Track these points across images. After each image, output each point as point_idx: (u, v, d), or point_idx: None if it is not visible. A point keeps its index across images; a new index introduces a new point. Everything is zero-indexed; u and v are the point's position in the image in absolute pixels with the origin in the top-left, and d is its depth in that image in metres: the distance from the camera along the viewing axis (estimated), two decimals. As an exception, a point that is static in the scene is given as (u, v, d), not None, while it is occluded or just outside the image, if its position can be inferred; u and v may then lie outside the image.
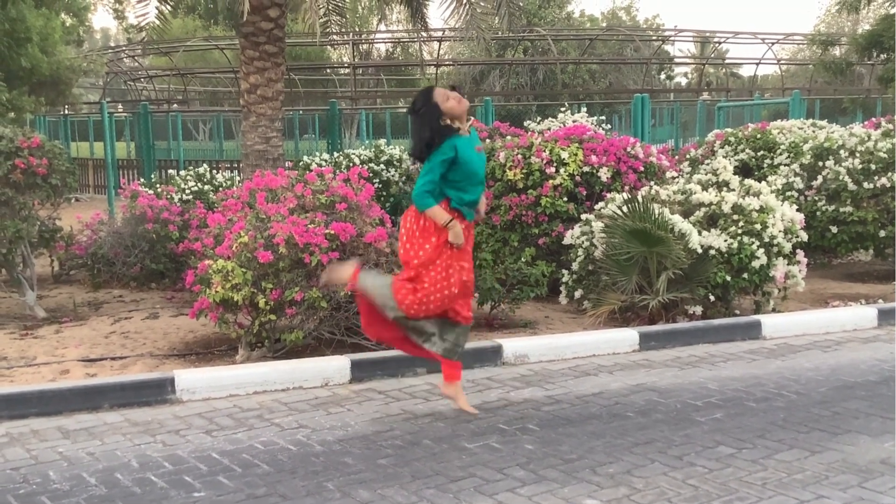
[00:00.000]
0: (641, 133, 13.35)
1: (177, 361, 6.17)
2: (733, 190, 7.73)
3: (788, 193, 9.16)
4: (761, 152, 10.53)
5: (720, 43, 34.88)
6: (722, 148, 10.85)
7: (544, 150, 8.14)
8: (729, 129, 11.53)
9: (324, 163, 10.66)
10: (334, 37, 24.28)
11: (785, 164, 9.95)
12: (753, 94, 28.91)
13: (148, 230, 8.61)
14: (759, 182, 8.02)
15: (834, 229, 8.97)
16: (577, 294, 7.56)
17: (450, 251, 4.88)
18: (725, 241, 7.05)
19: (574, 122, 11.70)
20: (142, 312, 7.81)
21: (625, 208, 7.05)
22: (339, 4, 11.13)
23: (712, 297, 7.06)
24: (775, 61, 31.92)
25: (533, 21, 31.53)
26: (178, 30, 34.09)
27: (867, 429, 4.65)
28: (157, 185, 10.18)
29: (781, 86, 31.91)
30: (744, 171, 10.26)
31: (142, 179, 12.67)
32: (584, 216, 7.73)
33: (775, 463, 4.18)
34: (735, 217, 7.28)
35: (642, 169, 8.33)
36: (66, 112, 27.02)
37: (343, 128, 27.33)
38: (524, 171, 8.09)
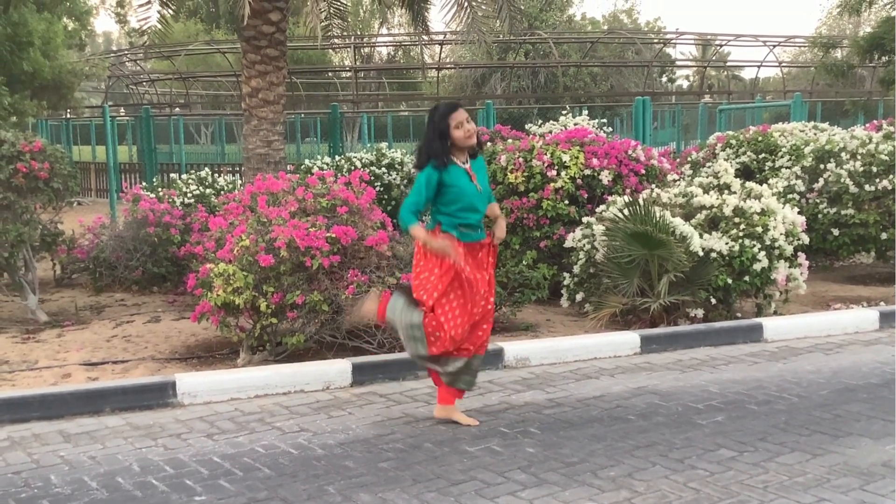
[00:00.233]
0: (643, 136, 13.34)
1: (178, 365, 6.17)
2: (734, 193, 7.73)
3: (790, 196, 9.15)
4: (763, 155, 10.52)
5: (721, 46, 34.92)
6: (723, 151, 10.85)
7: (545, 154, 8.14)
8: (730, 132, 11.52)
9: (325, 166, 10.66)
10: (336, 40, 24.33)
11: (786, 167, 9.94)
12: (755, 97, 28.93)
13: (150, 234, 8.62)
14: (761, 185, 8.01)
15: (835, 232, 8.96)
16: (579, 297, 7.56)
17: (459, 279, 4.72)
18: (727, 243, 7.05)
19: (575, 125, 11.70)
20: (143, 316, 7.82)
21: (626, 211, 7.05)
22: (341, 8, 11.14)
23: (714, 300, 7.06)
24: (777, 64, 31.94)
25: (534, 24, 31.54)
26: (180, 34, 34.16)
27: (869, 431, 4.64)
28: (159, 189, 10.19)
29: (783, 88, 31.94)
30: (745, 173, 10.25)
31: (144, 183, 12.69)
32: (585, 219, 7.73)
33: (777, 466, 4.17)
34: (736, 220, 7.28)
35: (643, 172, 8.33)
36: (69, 116, 27.09)
37: (345, 131, 27.36)
38: (525, 174, 8.10)
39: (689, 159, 11.24)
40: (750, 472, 4.10)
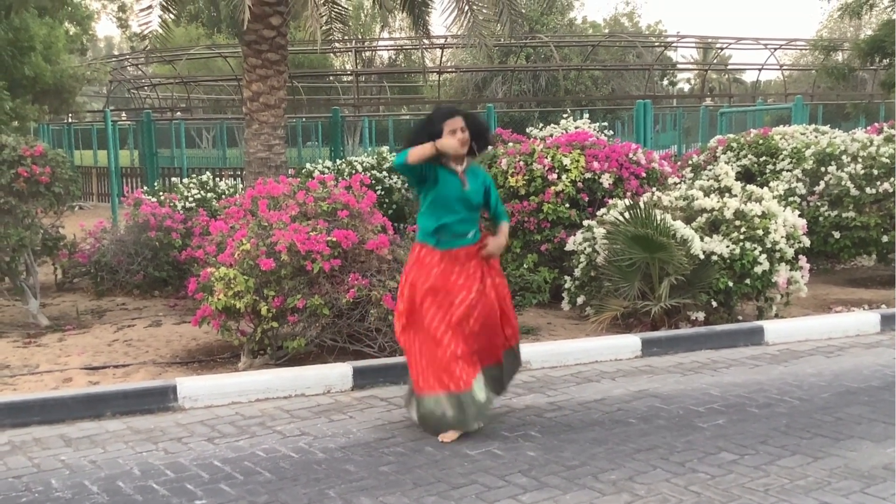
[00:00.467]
0: (644, 139, 13.34)
1: (179, 369, 6.18)
2: (735, 196, 7.73)
3: (791, 199, 9.15)
4: (763, 158, 10.52)
5: (723, 49, 34.93)
6: (724, 154, 10.85)
7: (546, 157, 8.14)
8: (731, 135, 11.53)
9: (326, 170, 10.68)
10: (337, 44, 24.36)
11: (787, 170, 9.95)
12: (756, 100, 28.93)
13: (151, 238, 8.63)
14: (762, 188, 8.01)
15: (836, 235, 8.96)
16: (580, 300, 7.56)
17: (433, 282, 4.68)
18: (728, 246, 7.05)
19: (576, 128, 11.71)
20: (145, 320, 7.82)
21: (627, 214, 7.05)
22: (342, 12, 11.15)
23: (715, 303, 7.06)
24: (778, 67, 31.95)
25: (535, 28, 31.57)
26: (181, 38, 34.23)
27: (870, 434, 4.64)
28: (161, 193, 10.21)
29: (784, 91, 31.94)
30: (746, 176, 10.26)
31: (145, 187, 12.70)
32: (586, 222, 7.74)
33: (778, 469, 4.17)
34: (737, 223, 7.28)
35: (644, 175, 8.34)
36: (70, 120, 27.12)
37: (346, 135, 27.39)
38: (526, 177, 8.10)
39: (690, 162, 11.25)
40: (751, 475, 4.10)
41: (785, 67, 34.82)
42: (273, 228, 6.17)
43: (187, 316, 7.62)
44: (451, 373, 4.63)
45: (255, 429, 4.91)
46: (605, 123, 14.25)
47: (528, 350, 6.27)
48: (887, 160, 8.95)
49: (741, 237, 7.15)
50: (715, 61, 39.08)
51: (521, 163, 8.17)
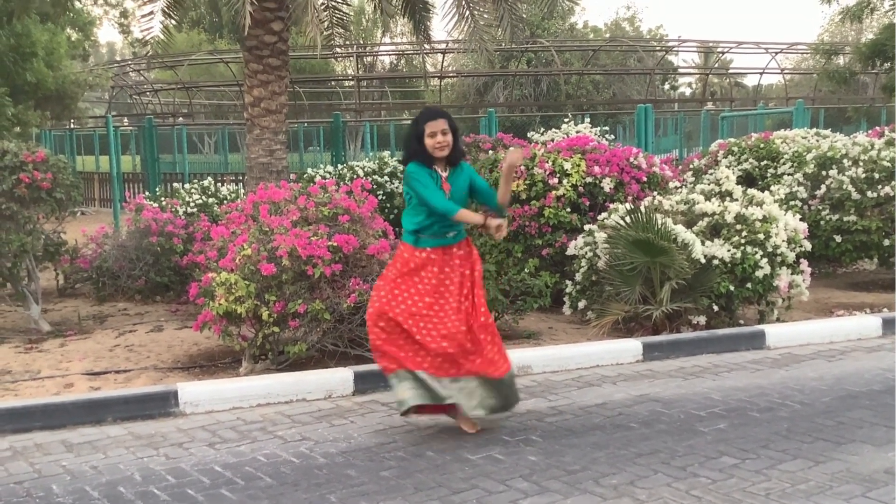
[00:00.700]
0: (645, 143, 13.36)
1: (180, 374, 6.18)
2: (736, 200, 7.73)
3: (792, 203, 9.15)
4: (765, 162, 10.52)
5: (724, 53, 34.95)
6: (725, 158, 10.85)
7: (547, 162, 8.15)
8: (732, 139, 11.53)
9: (328, 175, 10.68)
10: (338, 49, 24.39)
11: (788, 174, 9.95)
12: (757, 104, 28.94)
13: (152, 243, 8.64)
14: (763, 192, 8.02)
15: (838, 238, 8.95)
16: (581, 305, 7.56)
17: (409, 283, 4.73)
18: (729, 250, 7.05)
19: (577, 133, 11.71)
20: (146, 325, 7.83)
21: (628, 219, 7.06)
22: (343, 17, 11.17)
23: (716, 307, 7.06)
24: (779, 71, 31.97)
25: (536, 32, 31.59)
26: (182, 44, 34.29)
27: (871, 438, 4.63)
28: (162, 199, 10.22)
29: (785, 95, 31.94)
30: (747, 180, 10.26)
31: (147, 193, 12.71)
32: (587, 227, 7.74)
33: (779, 473, 4.16)
34: (738, 227, 7.28)
35: (645, 179, 8.34)
36: (72, 126, 27.14)
37: (347, 140, 27.41)
38: (527, 182, 8.10)
39: (691, 166, 11.24)
40: (752, 479, 4.09)
41: (786, 71, 34.85)
42: (274, 233, 6.17)
43: (189, 321, 7.62)
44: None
45: (257, 434, 4.91)
46: (607, 128, 14.25)
47: (530, 355, 6.28)
48: (888, 164, 8.95)
49: (742, 241, 7.15)
50: (716, 65, 39.09)
51: (522, 167, 8.17)
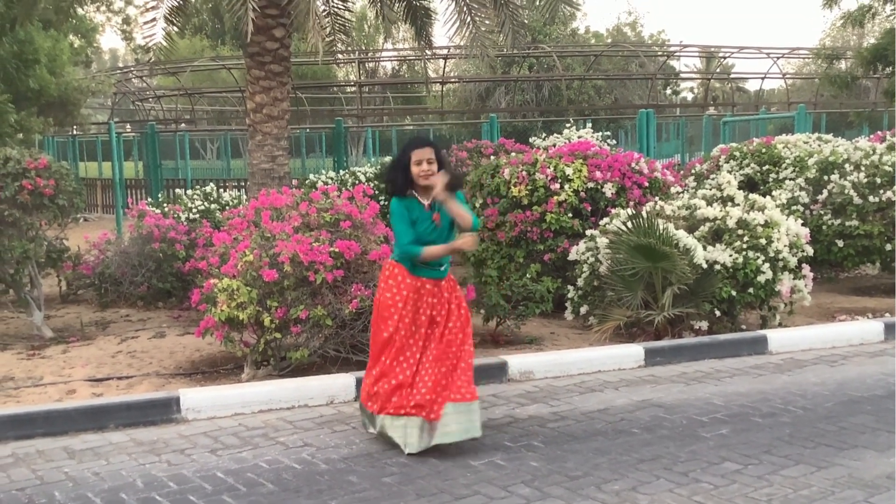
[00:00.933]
0: (647, 148, 13.37)
1: (183, 380, 6.18)
2: (738, 205, 7.72)
3: (794, 208, 9.15)
4: (766, 167, 10.52)
5: (725, 58, 34.97)
6: (727, 163, 10.85)
7: (549, 167, 8.15)
8: (734, 144, 11.53)
9: (330, 181, 10.70)
10: (340, 55, 24.43)
11: (790, 179, 9.95)
12: (759, 109, 28.93)
13: (155, 249, 8.65)
14: (765, 197, 8.01)
15: (840, 243, 8.95)
16: (583, 310, 7.56)
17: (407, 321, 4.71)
18: (730, 255, 7.05)
19: (579, 138, 11.73)
20: (148, 331, 7.84)
21: (629, 224, 7.06)
22: (345, 24, 11.19)
23: (718, 312, 7.05)
24: (781, 75, 31.96)
25: (538, 38, 31.62)
26: (185, 50, 34.35)
27: (873, 444, 4.63)
28: (164, 205, 10.23)
29: (787, 100, 31.94)
30: (749, 185, 10.25)
31: (149, 199, 12.73)
32: (588, 232, 7.74)
33: (781, 479, 4.16)
34: (740, 232, 7.28)
35: (647, 184, 8.34)
36: (75, 133, 27.18)
37: (349, 145, 27.45)
38: (529, 187, 8.11)
39: (692, 171, 11.24)
40: (754, 485, 4.09)
41: (788, 76, 34.84)
42: (276, 239, 6.18)
43: (191, 327, 7.63)
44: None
45: (258, 440, 4.91)
46: (608, 133, 14.27)
47: (532, 360, 6.28)
48: (890, 168, 8.94)
49: (744, 246, 7.14)
50: (718, 70, 39.12)
51: (524, 173, 8.18)
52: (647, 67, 32.29)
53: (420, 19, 11.16)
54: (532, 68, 31.96)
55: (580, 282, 7.60)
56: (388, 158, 11.98)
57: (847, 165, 9.28)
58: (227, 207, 9.94)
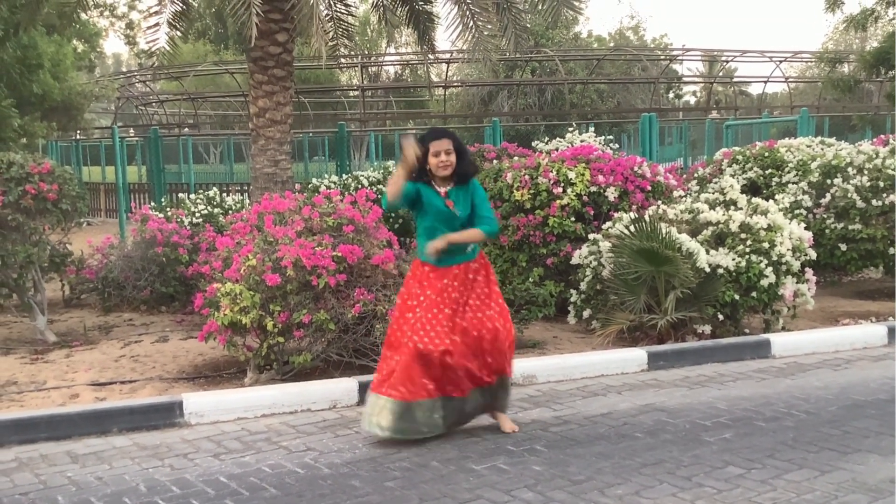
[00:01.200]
0: (650, 152, 13.38)
1: (186, 385, 6.19)
2: (741, 208, 7.72)
3: (797, 211, 9.14)
4: (769, 170, 10.52)
5: (728, 61, 34.94)
6: (730, 166, 10.85)
7: (551, 171, 8.16)
8: (737, 148, 11.53)
9: (332, 185, 10.71)
10: (343, 60, 24.47)
11: (793, 183, 9.94)
12: (762, 113, 28.92)
13: (158, 254, 8.66)
14: (767, 200, 8.01)
15: (843, 247, 8.94)
16: (586, 314, 7.55)
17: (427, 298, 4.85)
18: (733, 259, 7.04)
19: (582, 142, 11.73)
20: (152, 336, 7.84)
21: (632, 228, 7.06)
22: (348, 28, 11.21)
23: (721, 316, 7.05)
24: (783, 79, 31.95)
25: (540, 42, 31.63)
26: (188, 55, 34.40)
27: (877, 448, 4.62)
28: (168, 209, 10.25)
29: (790, 103, 31.93)
30: (752, 189, 10.25)
31: (152, 203, 12.75)
32: (591, 236, 7.74)
33: (785, 483, 4.15)
34: (743, 236, 7.27)
35: (650, 188, 8.34)
36: (78, 137, 27.24)
37: (352, 150, 27.47)
38: (531, 191, 8.11)
39: (695, 175, 11.25)
40: (758, 489, 4.08)
41: (791, 80, 34.83)
42: (279, 244, 6.19)
43: (194, 331, 7.64)
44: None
45: (261, 444, 4.91)
46: (611, 137, 14.28)
47: (534, 364, 6.28)
48: (893, 172, 8.93)
49: (747, 250, 7.14)
50: (720, 74, 39.10)
51: (527, 176, 8.18)
52: (649, 71, 32.30)
53: (423, 23, 11.18)
54: (535, 72, 31.97)
55: (583, 286, 7.60)
56: (390, 163, 11.97)
57: (850, 169, 9.27)
58: (230, 212, 9.95)
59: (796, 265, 7.27)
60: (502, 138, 15.72)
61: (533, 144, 12.74)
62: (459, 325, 4.84)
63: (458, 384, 4.84)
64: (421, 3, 11.14)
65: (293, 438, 5.01)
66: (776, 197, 9.27)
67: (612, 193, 8.11)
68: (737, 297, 7.00)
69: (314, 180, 11.47)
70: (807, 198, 9.40)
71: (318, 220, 6.48)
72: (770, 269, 7.06)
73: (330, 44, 10.25)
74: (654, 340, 6.99)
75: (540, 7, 10.46)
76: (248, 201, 10.92)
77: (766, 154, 10.71)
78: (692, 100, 48.94)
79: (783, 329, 7.40)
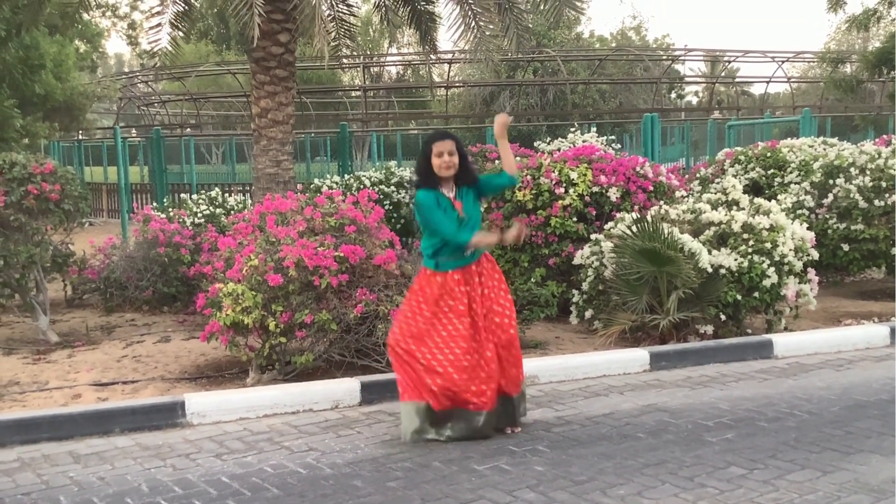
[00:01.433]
0: (652, 152, 13.37)
1: (188, 385, 6.19)
2: (743, 209, 7.72)
3: (799, 212, 9.13)
4: (771, 171, 10.51)
5: (730, 62, 34.93)
6: (732, 167, 10.85)
7: (553, 171, 8.15)
8: (739, 148, 11.52)
9: (334, 185, 10.71)
10: (345, 60, 24.47)
11: (795, 183, 9.93)
12: (764, 113, 28.90)
13: (160, 254, 8.67)
14: (770, 201, 8.00)
15: (845, 247, 8.93)
16: (588, 314, 7.55)
17: (443, 314, 4.86)
18: (736, 260, 7.04)
19: (584, 142, 11.72)
20: (154, 336, 7.85)
21: (634, 228, 7.05)
22: (350, 29, 11.22)
23: (723, 317, 7.04)
24: (786, 79, 31.93)
25: (542, 42, 31.62)
26: (190, 55, 34.43)
27: (880, 448, 4.61)
28: (170, 209, 10.26)
29: (792, 104, 31.89)
30: (754, 189, 10.24)
31: (154, 203, 12.76)
32: (593, 236, 7.74)
33: (787, 483, 4.15)
34: (745, 236, 7.27)
35: (651, 188, 8.33)
36: (80, 137, 27.26)
37: (354, 150, 27.46)
38: (533, 191, 8.11)
39: (697, 175, 11.24)
40: (760, 489, 4.08)
41: (793, 80, 34.81)
42: (281, 244, 6.19)
43: (196, 332, 7.64)
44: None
45: (263, 444, 4.92)
46: (613, 137, 14.26)
47: (537, 364, 6.27)
48: (895, 172, 8.92)
49: (749, 250, 7.13)
50: (722, 74, 39.08)
51: (529, 177, 8.18)
52: (651, 71, 32.29)
53: (425, 24, 11.18)
54: (536, 72, 31.97)
55: (585, 286, 7.60)
56: (392, 163, 11.97)
57: (852, 169, 9.26)
58: (232, 212, 9.96)
59: (799, 265, 7.27)
60: (504, 138, 15.68)
61: (535, 145, 12.74)
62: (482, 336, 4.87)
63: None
64: (423, 3, 11.14)
65: (295, 439, 5.01)
66: (778, 197, 9.25)
67: (614, 194, 8.10)
68: (739, 297, 6.99)
69: (316, 180, 11.47)
70: (809, 198, 9.39)
71: (321, 220, 6.48)
72: (772, 269, 7.05)
73: (332, 44, 10.25)
74: (657, 341, 6.99)
75: (542, 7, 10.46)
76: (250, 202, 10.93)
77: (769, 154, 10.70)
78: (694, 100, 48.93)
79: (785, 329, 7.40)
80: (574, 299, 7.74)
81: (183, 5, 10.22)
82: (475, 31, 9.93)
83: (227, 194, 11.49)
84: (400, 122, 36.44)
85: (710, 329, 7.00)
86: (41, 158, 7.69)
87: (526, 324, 7.23)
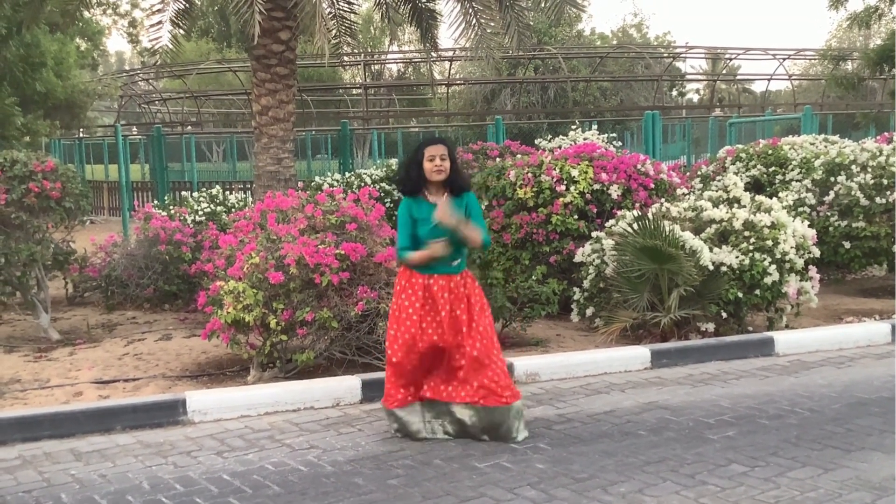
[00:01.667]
0: (653, 150, 13.35)
1: (189, 383, 6.19)
2: (744, 206, 7.71)
3: (800, 209, 9.13)
4: (773, 168, 10.50)
5: (731, 59, 34.90)
6: (733, 164, 10.83)
7: (554, 169, 8.15)
8: (740, 146, 11.51)
9: (335, 183, 10.71)
10: (346, 58, 24.46)
11: (797, 180, 9.92)
12: (765, 110, 28.88)
13: (161, 252, 8.67)
14: (771, 198, 8.00)
15: (847, 245, 8.93)
16: (589, 312, 7.54)
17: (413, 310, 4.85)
18: (737, 257, 7.03)
19: (585, 139, 11.72)
20: (155, 334, 7.85)
21: (635, 225, 7.05)
22: (351, 26, 11.20)
23: (724, 314, 7.04)
24: (787, 77, 31.91)
25: (543, 40, 31.55)
26: (191, 53, 34.41)
27: (881, 446, 4.61)
28: (171, 207, 10.26)
29: (793, 101, 31.87)
30: (755, 187, 10.23)
31: (155, 201, 12.76)
32: (594, 234, 7.73)
33: (788, 481, 4.15)
34: (746, 233, 7.26)
35: (653, 186, 8.33)
36: (81, 135, 27.27)
37: (355, 148, 27.47)
38: (535, 189, 8.10)
39: (699, 173, 11.22)
40: (761, 487, 4.08)
41: (794, 77, 34.78)
42: (282, 242, 6.19)
43: (197, 329, 7.64)
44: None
45: (264, 442, 4.92)
46: (614, 134, 14.27)
47: (538, 362, 6.27)
48: (897, 170, 8.92)
49: (750, 248, 7.13)
50: (724, 72, 39.04)
51: (530, 174, 8.17)
52: (652, 69, 32.26)
53: (425, 21, 11.17)
54: (537, 70, 31.94)
55: (586, 283, 7.59)
56: (393, 161, 11.98)
57: (853, 167, 9.26)
58: (233, 210, 9.96)
59: (800, 263, 7.26)
60: (505, 136, 15.71)
61: (536, 142, 12.74)
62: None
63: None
64: (424, 0, 11.13)
65: (296, 436, 5.01)
66: (780, 195, 9.26)
67: (615, 191, 8.10)
68: (740, 294, 6.99)
69: (317, 178, 11.47)
70: (810, 195, 9.39)
71: (321, 217, 6.48)
72: (773, 266, 7.05)
73: (333, 42, 10.24)
74: (658, 338, 6.99)
75: (543, 5, 10.46)
76: (251, 199, 10.93)
77: (770, 152, 10.69)
78: (695, 97, 48.92)
79: (787, 327, 7.39)
80: (575, 297, 7.74)
81: (184, 3, 10.20)
82: (476, 28, 9.92)
83: (228, 192, 11.50)
84: (401, 119, 36.44)
85: (711, 327, 7.00)
86: (42, 156, 7.69)
87: (527, 321, 7.23)
